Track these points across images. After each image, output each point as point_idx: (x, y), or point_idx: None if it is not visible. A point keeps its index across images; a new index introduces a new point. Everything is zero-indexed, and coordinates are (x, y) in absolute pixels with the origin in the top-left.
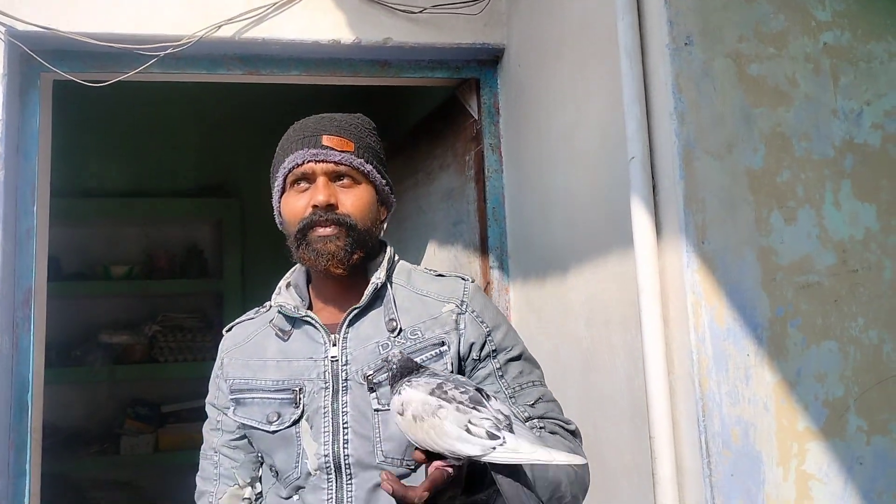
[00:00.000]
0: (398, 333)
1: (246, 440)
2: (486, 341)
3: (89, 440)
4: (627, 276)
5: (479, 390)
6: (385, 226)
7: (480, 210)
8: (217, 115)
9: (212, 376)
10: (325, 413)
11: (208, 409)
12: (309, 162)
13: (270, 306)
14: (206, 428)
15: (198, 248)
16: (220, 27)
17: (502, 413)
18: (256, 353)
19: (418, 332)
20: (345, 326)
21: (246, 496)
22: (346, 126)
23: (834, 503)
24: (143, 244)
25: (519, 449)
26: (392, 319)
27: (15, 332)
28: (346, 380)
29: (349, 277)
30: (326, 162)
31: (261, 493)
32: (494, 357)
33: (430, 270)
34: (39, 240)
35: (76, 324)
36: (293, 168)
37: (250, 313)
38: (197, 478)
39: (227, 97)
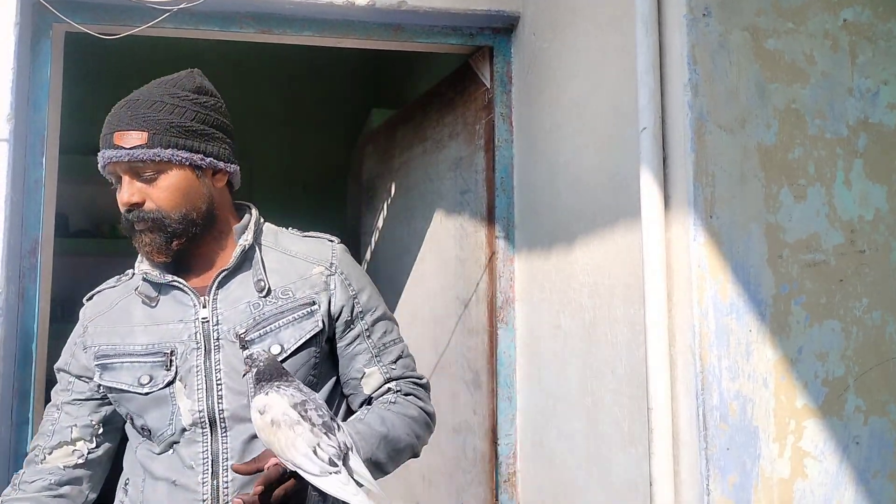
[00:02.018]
0: (267, 293)
1: (91, 402)
2: (354, 304)
3: None
4: (633, 248)
5: (332, 418)
6: (235, 186)
7: (489, 180)
8: (228, 76)
9: (69, 342)
10: (197, 371)
11: (59, 374)
12: (109, 164)
13: (133, 274)
14: (55, 390)
15: None
16: None
17: (346, 444)
18: (122, 319)
19: (289, 292)
20: (214, 288)
21: (77, 449)
22: (141, 112)
23: (828, 481)
24: None
25: (345, 487)
26: (260, 280)
27: (21, 282)
28: (217, 339)
29: (214, 242)
30: (119, 162)
31: (97, 448)
32: (362, 318)
33: (297, 231)
34: (47, 192)
35: (82, 281)
36: (103, 168)
37: (111, 281)
38: (37, 438)
39: (239, 57)
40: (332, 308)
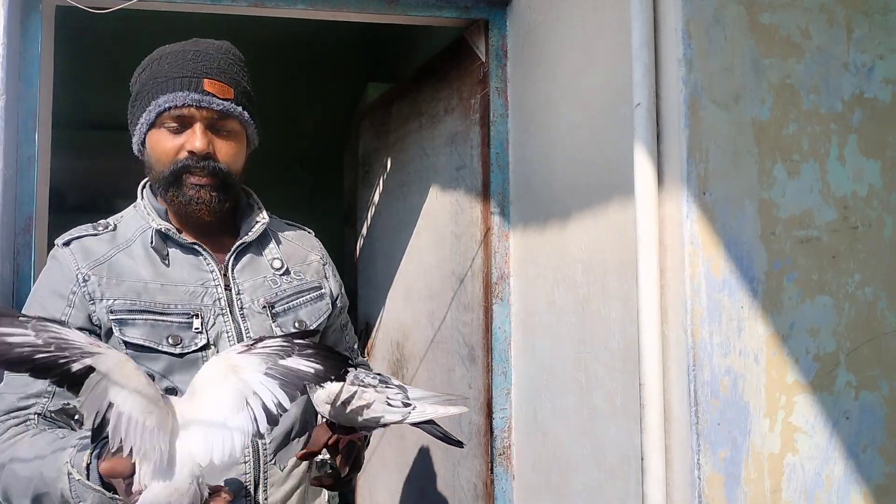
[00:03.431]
0: (284, 272)
1: None
2: (340, 295)
3: None
4: (627, 224)
5: (377, 375)
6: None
7: (484, 155)
8: None
9: (51, 290)
10: (229, 338)
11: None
12: (189, 107)
13: (111, 225)
14: None
15: None
16: None
17: (400, 384)
18: (127, 273)
19: (300, 274)
20: (232, 258)
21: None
22: (226, 68)
23: (818, 455)
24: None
25: (425, 411)
26: (277, 258)
27: (16, 259)
28: (241, 308)
29: (228, 213)
30: (209, 109)
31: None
32: (342, 311)
33: (275, 216)
34: (41, 168)
35: None
36: (170, 108)
37: (86, 228)
38: (12, 397)
39: (233, 29)
40: (332, 296)
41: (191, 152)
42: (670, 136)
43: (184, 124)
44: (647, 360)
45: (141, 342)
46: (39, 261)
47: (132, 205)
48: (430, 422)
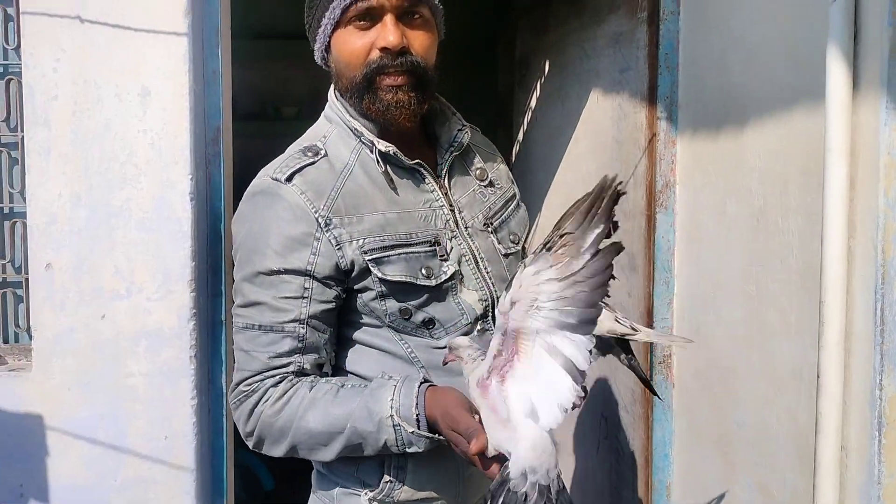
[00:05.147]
0: (489, 184)
1: (335, 310)
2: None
3: None
4: (814, 131)
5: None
6: None
7: (651, 56)
8: None
9: (294, 237)
10: (468, 260)
11: (290, 277)
12: None
13: (322, 150)
14: (276, 297)
15: None
16: None
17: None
18: (362, 205)
19: (499, 181)
20: (446, 173)
21: (326, 369)
22: None
23: None
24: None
25: (650, 333)
26: (479, 168)
27: (207, 169)
28: (466, 227)
29: (419, 118)
30: None
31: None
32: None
33: None
34: (224, 80)
35: (252, 161)
36: (356, 1)
37: (299, 158)
38: (262, 355)
39: None
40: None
41: (384, 49)
42: (870, 36)
43: (372, 17)
44: (831, 276)
45: (401, 279)
46: (227, 168)
47: (323, 119)
48: (634, 362)
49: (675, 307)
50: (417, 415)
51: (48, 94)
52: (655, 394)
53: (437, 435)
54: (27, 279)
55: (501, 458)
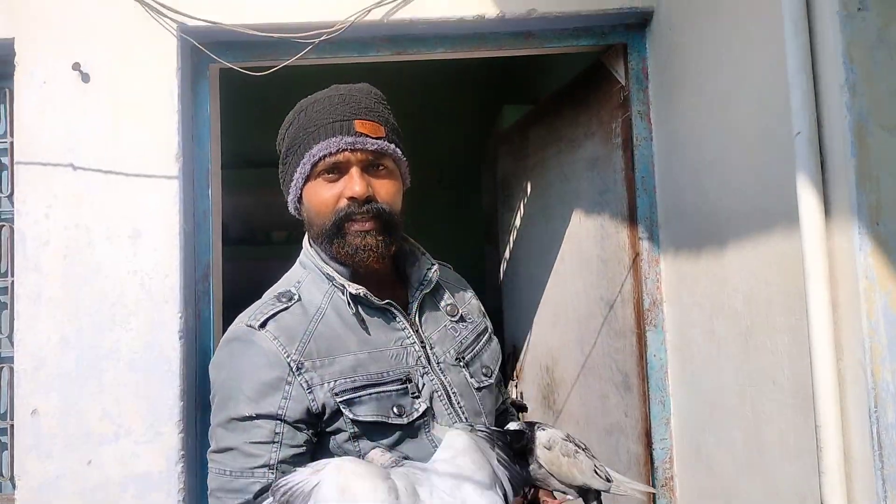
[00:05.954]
0: (460, 319)
1: (307, 455)
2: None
3: None
4: (792, 255)
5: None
6: None
7: (628, 179)
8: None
9: (267, 382)
10: (440, 396)
11: (261, 422)
12: (344, 151)
13: (295, 295)
14: (247, 442)
15: None
16: (370, 11)
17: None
18: (335, 347)
19: (469, 316)
20: (416, 311)
21: None
22: (372, 107)
23: None
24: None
25: (620, 486)
26: (449, 304)
27: (197, 306)
28: (438, 362)
29: (389, 258)
30: (363, 151)
31: None
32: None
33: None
34: (214, 219)
35: (243, 284)
36: (325, 157)
37: (274, 304)
38: (231, 503)
39: (370, 74)
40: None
41: (351, 198)
42: (836, 165)
43: (340, 170)
44: (824, 400)
45: (373, 418)
46: (216, 305)
47: (298, 265)
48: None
49: (672, 427)
50: None
51: (39, 240)
52: None
53: None
54: (12, 426)
55: None
